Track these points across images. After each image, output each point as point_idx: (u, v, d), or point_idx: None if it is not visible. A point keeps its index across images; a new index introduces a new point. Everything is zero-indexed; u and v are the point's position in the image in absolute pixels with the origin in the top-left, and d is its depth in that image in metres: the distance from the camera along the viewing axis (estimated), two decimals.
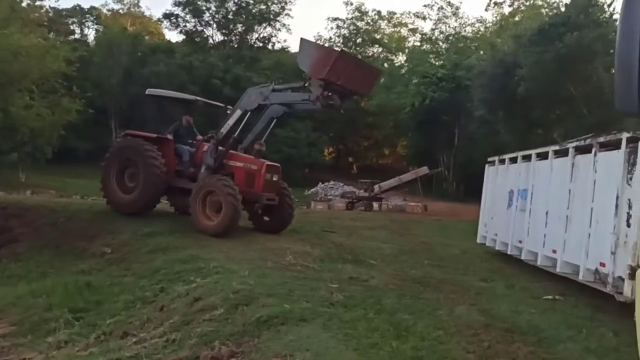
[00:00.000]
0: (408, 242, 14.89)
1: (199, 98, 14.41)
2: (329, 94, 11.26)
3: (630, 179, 7.51)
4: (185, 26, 55.00)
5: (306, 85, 11.48)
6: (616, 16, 24.53)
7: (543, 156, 10.88)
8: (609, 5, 24.52)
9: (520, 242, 11.40)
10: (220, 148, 12.58)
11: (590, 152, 8.83)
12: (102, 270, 10.37)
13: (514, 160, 12.54)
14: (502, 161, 13.38)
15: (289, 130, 43.71)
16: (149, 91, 14.03)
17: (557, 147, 10.33)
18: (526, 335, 6.80)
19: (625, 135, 7.75)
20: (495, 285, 9.85)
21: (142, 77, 43.28)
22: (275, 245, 11.85)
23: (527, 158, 11.73)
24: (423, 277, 10.07)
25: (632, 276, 7.06)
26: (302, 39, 11.93)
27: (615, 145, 8.26)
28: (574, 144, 9.49)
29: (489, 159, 14.39)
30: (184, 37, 56.22)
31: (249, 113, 12.36)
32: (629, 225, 7.40)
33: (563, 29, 23.24)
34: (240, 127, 12.50)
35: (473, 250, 14.11)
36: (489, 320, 7.30)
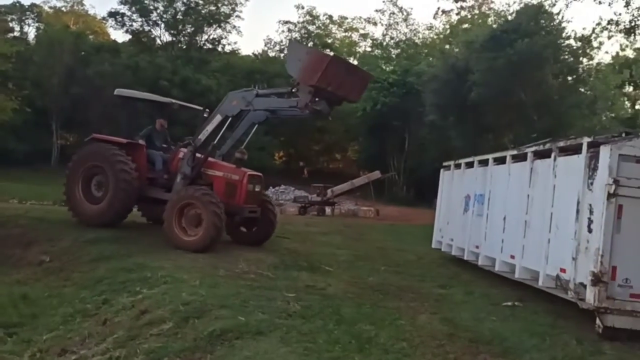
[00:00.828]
0: (363, 248, 14.65)
1: (174, 100, 13.40)
2: (316, 99, 10.66)
3: (592, 184, 7.43)
4: (131, 25, 53.41)
5: (294, 90, 10.82)
6: (565, 24, 25.25)
7: (500, 161, 10.80)
8: (558, 14, 25.23)
9: (477, 247, 11.29)
10: (198, 155, 11.74)
11: (549, 156, 8.75)
12: (39, 281, 9.61)
13: (470, 165, 12.46)
14: (457, 166, 13.29)
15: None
16: (117, 91, 12.93)
17: (515, 152, 10.25)
18: (491, 345, 6.61)
19: (586, 140, 7.68)
20: (454, 292, 9.68)
21: (85, 77, 41.85)
22: (226, 252, 11.35)
23: (483, 163, 11.66)
24: (381, 284, 9.81)
25: (595, 282, 6.97)
26: (291, 41, 11.39)
27: (574, 150, 8.20)
28: (533, 149, 9.42)
29: (445, 164, 14.31)
30: (130, 37, 54.60)
31: (230, 119, 11.55)
32: (590, 231, 7.30)
33: (514, 35, 23.68)
34: (220, 133, 11.67)
35: (429, 256, 13.97)
36: (452, 329, 7.08)
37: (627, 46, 39.06)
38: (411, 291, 9.49)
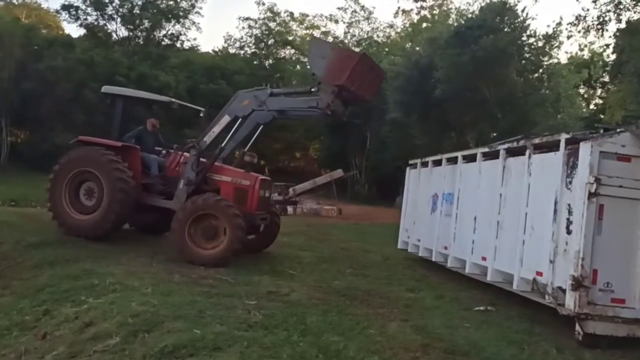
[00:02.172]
0: (327, 249, 14.11)
1: (174, 99, 12.29)
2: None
3: (570, 182, 7.07)
4: (86, 19, 51.51)
5: (313, 89, 10.20)
6: (529, 22, 25.33)
7: (470, 159, 10.42)
8: (523, 11, 25.24)
9: (446, 248, 10.89)
10: (203, 160, 10.88)
11: (523, 154, 8.38)
12: None
13: (438, 163, 12.06)
14: (424, 164, 12.88)
15: (196, 130, 41.92)
16: (105, 89, 11.86)
17: (486, 149, 9.86)
18: (468, 356, 6.15)
19: (564, 137, 7.31)
20: (424, 296, 9.22)
21: (38, 72, 40.06)
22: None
23: (452, 161, 11.26)
24: (347, 289, 9.27)
25: (575, 287, 6.60)
26: (314, 37, 10.60)
27: (550, 147, 7.84)
28: (506, 146, 9.03)
29: (411, 162, 13.89)
30: (85, 31, 52.71)
31: (239, 120, 10.75)
32: (569, 232, 6.94)
33: (479, 31, 23.54)
34: (229, 136, 10.83)
35: (395, 257, 13.54)
36: (426, 339, 6.59)
37: (585, 46, 39.85)
38: (379, 296, 8.99)
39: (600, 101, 38.66)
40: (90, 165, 10.88)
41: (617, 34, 19.91)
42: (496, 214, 8.96)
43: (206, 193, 10.46)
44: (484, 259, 9.25)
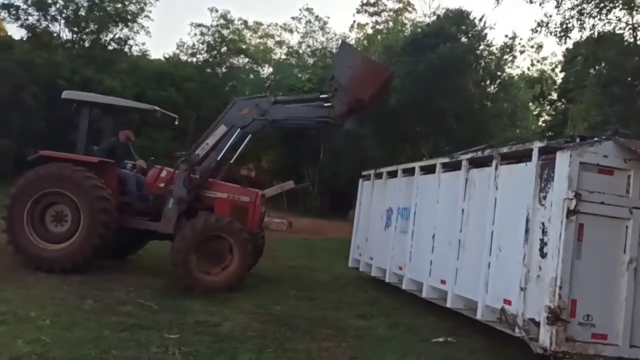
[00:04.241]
0: (272, 267, 12.89)
1: (157, 108, 10.63)
2: None
3: (544, 197, 6.14)
4: (27, 19, 48.99)
5: (328, 95, 9.46)
6: (487, 31, 25.00)
7: (429, 170, 9.46)
8: (481, 20, 24.84)
9: (401, 268, 9.87)
10: (194, 175, 9.76)
11: (488, 165, 7.44)
12: None
13: (393, 175, 11.08)
14: (378, 175, 11.89)
15: (145, 138, 40.10)
16: (67, 94, 10.23)
17: (446, 160, 8.90)
18: None
19: (537, 145, 6.39)
20: (376, 325, 8.14)
21: None
22: (107, 276, 9.36)
23: (409, 172, 10.30)
24: (290, 316, 8.12)
25: (551, 320, 5.63)
26: (344, 43, 9.73)
27: (519, 158, 6.93)
28: (469, 156, 8.09)
29: (364, 173, 12.88)
30: (26, 32, 50.13)
31: (238, 130, 9.68)
32: (543, 256, 5.99)
33: (436, 39, 22.95)
34: (226, 148, 9.77)
35: (345, 276, 12.47)
36: None
37: (538, 61, 40.20)
38: (325, 325, 7.85)
39: (549, 118, 38.87)
40: (60, 185, 9.37)
41: (579, 42, 19.63)
42: (457, 232, 7.99)
43: (200, 212, 9.67)
44: (443, 282, 8.26)
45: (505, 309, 6.52)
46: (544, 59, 41.70)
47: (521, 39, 29.22)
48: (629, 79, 17.17)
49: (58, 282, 8.59)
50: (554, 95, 39.31)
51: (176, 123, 11.05)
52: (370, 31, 51.74)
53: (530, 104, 35.90)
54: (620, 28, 17.37)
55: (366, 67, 9.57)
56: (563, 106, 35.56)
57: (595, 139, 6.21)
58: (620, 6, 16.56)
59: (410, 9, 49.15)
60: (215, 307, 8.16)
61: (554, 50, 60.03)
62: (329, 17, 75.36)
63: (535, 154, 6.35)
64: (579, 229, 5.76)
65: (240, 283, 9.33)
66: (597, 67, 18.76)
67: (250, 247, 9.35)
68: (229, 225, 9.24)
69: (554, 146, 6.19)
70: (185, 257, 9.04)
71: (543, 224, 6.08)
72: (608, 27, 17.31)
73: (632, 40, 16.96)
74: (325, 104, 9.61)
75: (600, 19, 16.75)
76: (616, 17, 17.28)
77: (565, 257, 5.68)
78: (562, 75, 37.80)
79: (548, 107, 40.85)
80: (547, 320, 5.67)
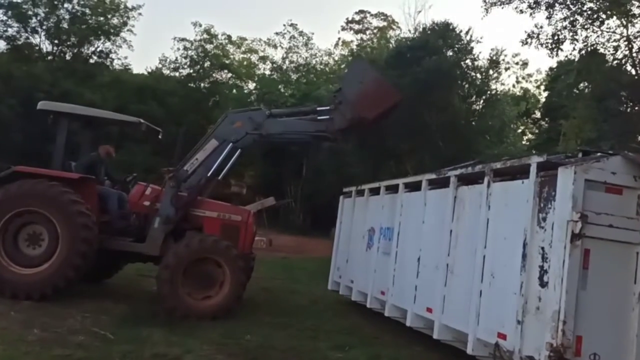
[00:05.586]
0: (247, 289, 11.99)
1: (142, 120, 9.97)
2: None
3: (544, 219, 5.47)
4: (6, 31, 48.09)
5: (322, 109, 9.23)
6: (474, 44, 24.60)
7: (414, 187, 8.77)
8: (467, 33, 24.45)
9: (383, 293, 9.14)
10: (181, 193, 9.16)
11: (480, 182, 6.77)
12: None
13: (375, 192, 10.39)
14: (360, 192, 11.20)
15: (123, 153, 39.15)
16: (43, 105, 9.50)
17: (433, 176, 8.21)
18: None
19: (535, 160, 5.73)
20: (355, 356, 7.40)
21: None
22: (63, 300, 8.48)
23: (392, 189, 9.61)
24: (261, 347, 7.35)
25: None
26: (359, 57, 9.15)
27: (514, 174, 6.28)
28: (457, 172, 7.41)
29: (345, 189, 12.19)
30: (5, 43, 49.20)
31: (230, 145, 9.19)
32: (543, 285, 5.31)
33: (421, 52, 22.42)
34: (217, 162, 9.22)
35: (324, 300, 11.72)
36: None
37: (523, 78, 40.10)
38: (299, 356, 7.11)
39: (533, 136, 38.66)
40: (36, 204, 8.65)
41: (563, 62, 19.24)
42: (445, 256, 7.31)
43: (188, 232, 9.10)
44: (429, 310, 7.54)
45: (499, 344, 5.80)
46: (530, 75, 41.47)
47: (506, 55, 28.94)
48: (624, 92, 16.73)
49: (5, 307, 7.79)
50: (538, 114, 39.13)
51: (160, 137, 10.51)
52: (355, 48, 51.58)
53: (515, 121, 35.76)
54: (614, 40, 16.98)
55: (377, 87, 9.22)
56: (547, 125, 35.31)
57: (599, 153, 5.58)
58: (615, 18, 16.13)
59: (394, 26, 49.15)
60: (178, 337, 7.37)
61: (539, 67, 60.17)
62: (313, 33, 75.17)
63: (533, 169, 5.69)
64: (585, 255, 5.09)
65: (225, 314, 8.64)
66: (590, 80, 18.30)
67: (242, 267, 8.83)
68: (227, 250, 8.70)
69: (554, 161, 5.52)
70: (173, 276, 8.44)
71: (543, 248, 5.40)
72: (601, 39, 16.95)
73: (627, 52, 16.51)
74: (320, 117, 9.22)
75: (593, 31, 16.35)
76: (609, 29, 16.91)
77: (569, 288, 5.00)
78: (546, 94, 37.67)
79: (532, 126, 40.66)
80: (548, 359, 4.96)
